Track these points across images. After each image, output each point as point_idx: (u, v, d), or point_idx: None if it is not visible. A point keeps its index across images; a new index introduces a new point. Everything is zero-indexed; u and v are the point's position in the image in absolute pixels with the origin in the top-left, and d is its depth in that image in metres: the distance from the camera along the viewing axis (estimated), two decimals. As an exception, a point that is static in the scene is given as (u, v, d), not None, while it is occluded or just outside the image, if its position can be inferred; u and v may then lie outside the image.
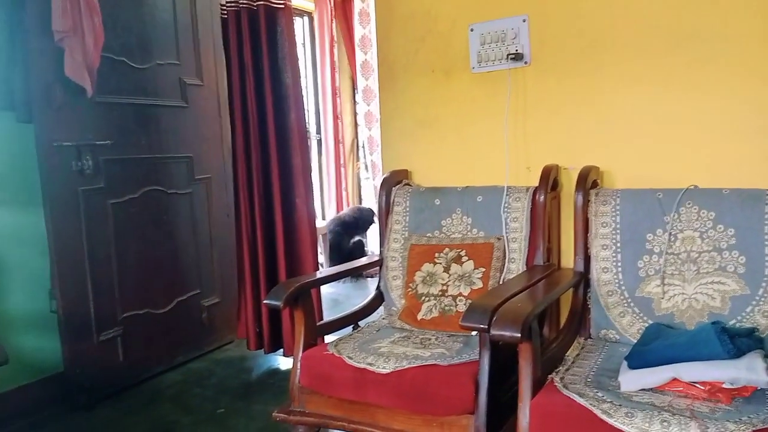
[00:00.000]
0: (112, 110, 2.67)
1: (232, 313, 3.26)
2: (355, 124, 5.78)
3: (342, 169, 5.60)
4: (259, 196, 2.93)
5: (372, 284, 4.77)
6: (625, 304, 1.95)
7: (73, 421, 2.47)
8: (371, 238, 5.54)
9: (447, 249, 2.27)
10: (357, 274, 4.76)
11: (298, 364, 1.99)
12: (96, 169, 2.57)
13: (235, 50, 2.84)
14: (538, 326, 1.69)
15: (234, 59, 2.85)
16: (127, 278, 2.75)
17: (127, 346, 2.75)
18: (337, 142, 5.50)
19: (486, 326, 1.57)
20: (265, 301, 2.00)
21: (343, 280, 4.57)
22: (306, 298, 2.06)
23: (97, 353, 2.63)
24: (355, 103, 5.73)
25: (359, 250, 5.13)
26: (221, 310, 3.24)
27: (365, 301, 2.40)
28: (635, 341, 1.85)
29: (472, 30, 2.36)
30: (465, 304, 2.14)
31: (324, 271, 2.35)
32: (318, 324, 2.14)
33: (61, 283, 2.51)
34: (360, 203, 5.86)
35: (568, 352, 1.86)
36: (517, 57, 2.26)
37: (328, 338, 2.16)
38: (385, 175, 2.51)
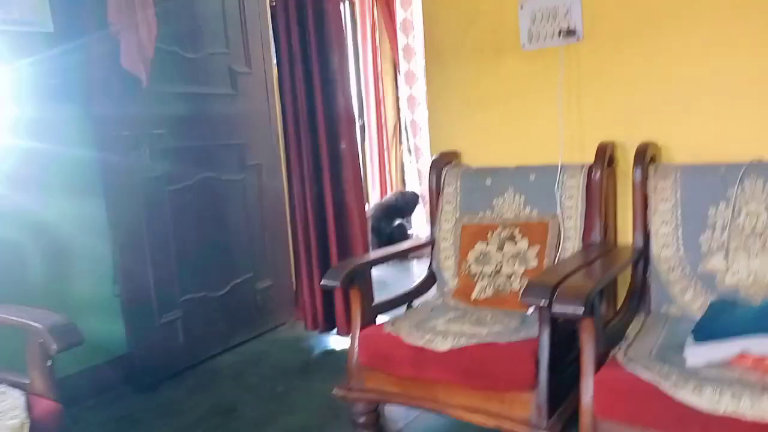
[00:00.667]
0: (165, 100, 2.73)
1: (284, 296, 3.34)
2: (398, 108, 5.78)
3: (385, 154, 5.62)
4: (310, 180, 2.97)
5: (417, 266, 4.79)
6: (687, 280, 1.92)
7: (139, 400, 2.57)
8: (415, 222, 5.57)
9: (500, 228, 2.26)
10: (402, 256, 4.79)
11: (356, 343, 2.02)
12: (153, 157, 2.65)
13: (284, 37, 2.88)
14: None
15: (283, 46, 2.90)
16: (185, 262, 2.83)
17: (186, 329, 2.84)
18: (380, 126, 5.51)
19: (547, 303, 1.57)
20: (321, 283, 2.05)
21: (388, 263, 4.61)
22: (362, 278, 2.09)
23: (158, 335, 2.72)
24: (397, 86, 5.72)
25: (401, 234, 5.15)
26: (274, 292, 3.31)
27: (417, 282, 2.43)
28: (698, 317, 1.82)
29: (522, 8, 2.33)
30: (520, 283, 2.14)
31: (378, 251, 2.37)
32: (373, 304, 2.16)
33: (123, 268, 2.61)
34: (404, 187, 5.87)
35: (629, 329, 1.84)
36: (570, 33, 2.23)
37: (380, 319, 2.18)
38: (434, 157, 2.51)
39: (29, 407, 1.48)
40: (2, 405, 1.50)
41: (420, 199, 5.31)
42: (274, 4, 2.88)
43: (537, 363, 1.70)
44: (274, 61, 3.18)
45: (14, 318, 1.60)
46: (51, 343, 1.48)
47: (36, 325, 1.52)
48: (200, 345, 2.92)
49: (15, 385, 1.59)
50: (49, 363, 1.55)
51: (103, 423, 2.37)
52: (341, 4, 2.92)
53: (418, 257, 4.90)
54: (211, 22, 2.95)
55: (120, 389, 2.63)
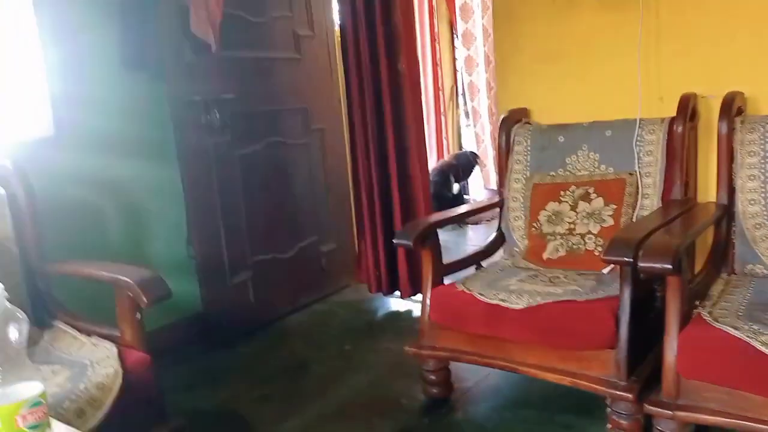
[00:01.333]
0: (233, 64, 2.76)
1: (348, 259, 3.37)
2: (455, 70, 5.68)
3: (442, 117, 5.54)
4: (374, 144, 2.97)
5: (475, 231, 4.76)
6: (776, 238, 1.83)
7: (214, 357, 2.66)
8: (472, 188, 5.50)
9: (573, 187, 2.21)
10: (460, 220, 4.76)
11: (428, 301, 2.03)
12: (223, 122, 2.69)
13: (348, -2, 2.84)
14: (683, 260, 1.62)
15: (346, 7, 2.87)
16: (255, 225, 2.89)
17: (257, 289, 2.91)
18: (436, 89, 5.43)
19: (631, 259, 1.53)
20: (395, 241, 2.05)
21: (445, 228, 4.59)
22: (433, 238, 2.09)
23: (230, 295, 2.80)
24: (454, 48, 5.62)
25: (460, 198, 5.11)
26: (338, 255, 3.35)
27: (486, 243, 2.40)
28: (787, 276, 1.75)
29: (597, -46, 2.23)
30: (594, 242, 2.09)
31: (448, 212, 2.36)
32: (445, 263, 2.15)
33: (196, 231, 2.68)
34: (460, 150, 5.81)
35: (712, 288, 1.78)
36: (650, -21, 2.12)
37: (448, 280, 2.17)
38: (503, 115, 2.46)
39: (121, 358, 1.55)
40: (95, 355, 1.58)
41: (477, 159, 5.24)
42: (336, -37, 2.84)
43: (617, 321, 1.67)
44: (337, 24, 3.16)
45: (105, 273, 1.67)
46: (141, 296, 1.54)
47: (126, 279, 1.58)
48: (270, 305, 3.00)
49: (106, 337, 1.66)
50: (138, 316, 1.62)
51: (181, 378, 2.46)
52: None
53: (477, 223, 4.88)
54: (273, -16, 2.95)
55: (196, 346, 2.73)
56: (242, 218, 2.83)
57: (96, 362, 1.54)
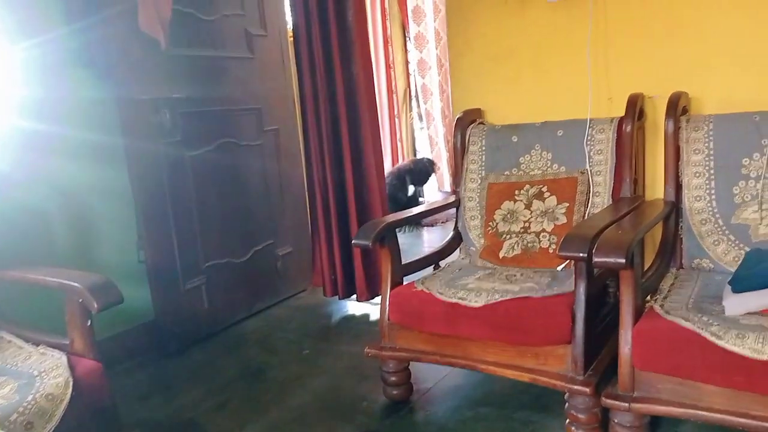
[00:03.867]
0: (183, 63, 2.70)
1: (304, 263, 3.33)
2: (407, 73, 5.71)
3: (396, 120, 5.57)
4: (329, 145, 2.94)
5: (430, 233, 4.80)
6: (720, 232, 1.91)
7: (167, 365, 2.59)
8: (427, 190, 5.54)
9: (527, 186, 2.24)
10: (415, 222, 4.79)
11: (387, 301, 2.03)
12: (174, 122, 2.62)
13: (300, -4, 2.82)
14: (635, 255, 1.67)
15: (299, 7, 2.84)
16: (208, 229, 2.83)
17: (211, 294, 2.85)
18: (390, 92, 5.45)
19: (585, 254, 1.56)
20: (354, 241, 2.04)
21: (399, 229, 4.60)
22: (391, 238, 2.08)
23: (183, 301, 2.73)
24: (407, 50, 5.64)
25: (416, 202, 5.13)
26: (294, 259, 3.32)
27: (443, 243, 2.42)
28: (731, 269, 1.82)
29: (547, -43, 2.28)
30: (549, 240, 2.13)
31: (406, 211, 2.36)
32: (403, 264, 2.15)
33: (147, 234, 2.61)
34: (414, 154, 5.84)
35: (663, 282, 1.84)
36: (597, -18, 2.18)
37: (406, 280, 2.17)
38: (458, 115, 2.48)
39: (71, 366, 1.49)
40: (44, 365, 1.51)
41: (434, 167, 5.28)
42: (289, -37, 2.81)
43: (573, 316, 1.70)
44: (290, 23, 3.13)
45: (53, 279, 1.61)
46: (91, 301, 1.48)
47: (76, 284, 1.52)
48: (224, 311, 2.94)
49: (55, 346, 1.60)
50: (89, 323, 1.56)
51: (133, 388, 2.39)
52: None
53: (433, 224, 4.91)
54: (225, -18, 2.90)
55: (148, 355, 2.65)
56: (195, 222, 2.77)
57: (44, 372, 1.48)
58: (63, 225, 2.43)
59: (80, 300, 1.52)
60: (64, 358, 1.52)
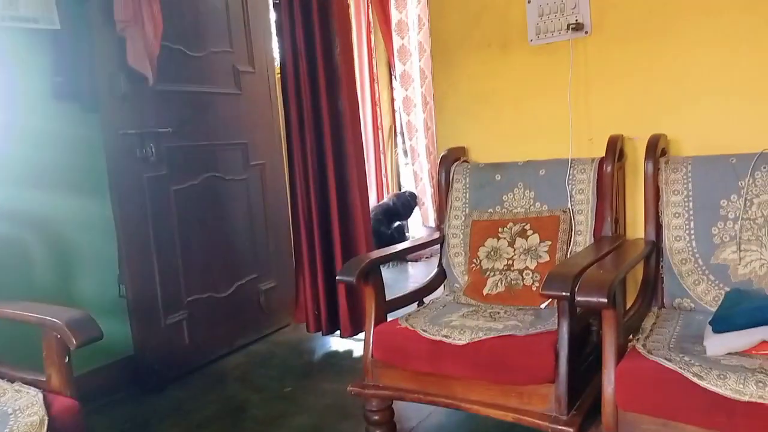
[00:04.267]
0: (171, 98, 2.72)
1: (288, 297, 3.31)
2: (393, 110, 5.79)
3: (381, 156, 5.62)
4: (315, 180, 2.95)
5: (414, 268, 4.80)
6: (700, 272, 1.93)
7: (147, 401, 2.54)
8: (412, 225, 5.56)
9: (510, 223, 2.26)
10: (399, 258, 4.79)
11: (371, 338, 2.01)
12: (159, 156, 2.63)
13: (288, 34, 2.86)
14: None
15: (287, 43, 2.88)
16: (191, 263, 2.81)
17: (192, 329, 2.81)
18: (375, 128, 5.51)
19: (568, 293, 1.57)
20: (338, 277, 2.03)
21: (384, 264, 4.59)
22: (376, 274, 2.08)
23: (164, 336, 2.70)
24: (392, 88, 5.73)
25: (400, 236, 5.14)
26: (278, 294, 3.29)
27: (428, 279, 2.42)
28: (711, 309, 1.84)
29: (529, 2, 2.34)
30: (532, 278, 2.14)
31: (390, 248, 2.36)
32: (387, 300, 2.15)
33: (128, 268, 2.58)
34: (399, 189, 5.87)
35: (645, 322, 1.84)
36: (578, 27, 2.24)
37: (390, 317, 2.17)
38: (442, 153, 2.51)
39: (47, 405, 1.46)
40: (18, 403, 1.48)
41: (416, 200, 5.32)
42: (277, 1, 2.86)
43: (556, 355, 1.70)
44: (277, 60, 3.17)
45: (30, 314, 1.58)
46: (70, 337, 1.46)
47: (54, 320, 1.49)
48: (206, 346, 2.90)
49: (31, 383, 1.56)
50: (66, 359, 1.53)
51: (111, 425, 2.34)
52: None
53: (417, 260, 4.92)
54: (214, 20, 2.94)
55: (127, 390, 2.60)
56: (177, 256, 2.75)
57: (19, 410, 1.44)
58: (43, 258, 2.40)
59: (58, 336, 1.49)
60: (40, 396, 1.48)
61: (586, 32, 2.25)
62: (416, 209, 5.36)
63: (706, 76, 2.07)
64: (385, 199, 5.33)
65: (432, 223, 5.23)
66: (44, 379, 1.56)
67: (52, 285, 2.42)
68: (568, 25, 2.25)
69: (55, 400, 1.49)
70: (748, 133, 2.00)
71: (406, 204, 5.26)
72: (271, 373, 2.79)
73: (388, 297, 2.18)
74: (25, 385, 1.56)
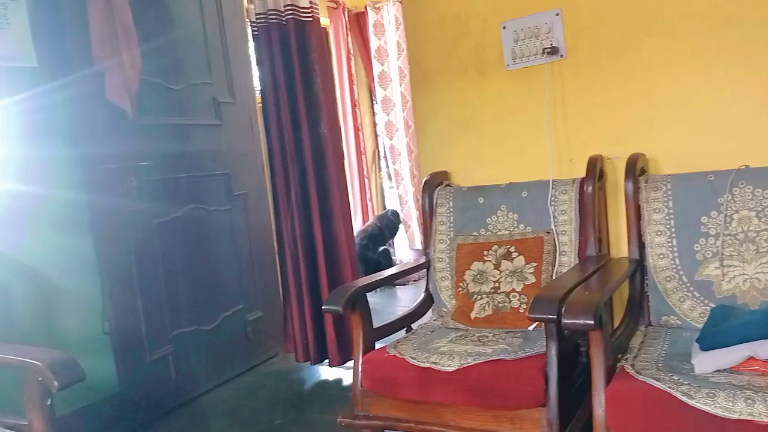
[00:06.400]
0: (151, 131, 2.71)
1: (275, 327, 3.28)
2: (375, 135, 5.82)
3: (366, 181, 5.63)
4: (298, 208, 2.95)
5: (402, 292, 4.78)
6: (685, 289, 1.94)
7: (132, 440, 2.49)
8: (398, 248, 5.56)
9: (495, 246, 2.27)
10: (388, 283, 4.76)
11: (360, 368, 1.99)
12: (140, 189, 2.61)
13: (267, 65, 2.88)
14: (604, 314, 1.68)
15: (266, 74, 2.90)
16: (175, 296, 2.78)
17: (178, 364, 2.77)
18: (359, 153, 5.53)
19: (555, 316, 1.57)
20: (324, 307, 2.02)
21: (374, 291, 4.57)
22: (362, 302, 2.07)
23: (150, 372, 2.65)
24: (374, 113, 5.77)
25: (387, 261, 5.13)
26: (264, 324, 3.26)
27: (415, 305, 2.41)
28: (697, 325, 1.84)
29: (504, 27, 2.38)
30: (519, 300, 2.14)
31: (376, 275, 2.35)
32: (375, 327, 2.13)
33: (112, 304, 2.54)
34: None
35: (632, 341, 1.85)
36: (553, 51, 2.28)
37: (378, 344, 2.15)
38: (425, 178, 2.52)
39: (28, 451, 1.42)
40: (-1, 450, 1.44)
41: (401, 218, 5.32)
42: (256, 32, 2.88)
43: (546, 379, 1.69)
44: (258, 90, 3.19)
45: (10, 356, 1.54)
46: (52, 380, 1.42)
47: (35, 362, 1.46)
48: (193, 380, 2.85)
49: (12, 428, 1.52)
50: (48, 402, 1.49)
51: (96, 466, 2.29)
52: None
53: (405, 284, 4.90)
54: (193, 52, 2.95)
55: (112, 429, 2.54)
56: (162, 289, 2.72)
57: (-2, 458, 1.40)
58: (25, 297, 2.36)
59: (40, 378, 1.46)
60: (21, 442, 1.45)
61: (562, 56, 2.29)
62: (402, 228, 5.36)
63: (680, 95, 2.11)
64: (370, 222, 5.32)
65: (419, 245, 5.23)
66: (26, 423, 1.52)
67: (34, 324, 2.37)
68: (544, 50, 2.29)
69: (36, 445, 1.45)
70: (725, 150, 2.03)
71: (390, 225, 5.25)
72: (260, 405, 2.75)
73: (377, 322, 2.17)
74: (7, 430, 1.52)
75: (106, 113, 2.48)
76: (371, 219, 5.43)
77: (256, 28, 2.88)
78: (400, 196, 5.47)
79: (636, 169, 2.06)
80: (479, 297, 2.21)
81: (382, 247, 5.16)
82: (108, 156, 2.52)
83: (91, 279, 2.55)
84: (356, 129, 5.48)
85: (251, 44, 3.04)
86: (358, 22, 5.45)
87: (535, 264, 2.18)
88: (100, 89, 2.43)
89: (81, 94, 2.45)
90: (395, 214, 5.31)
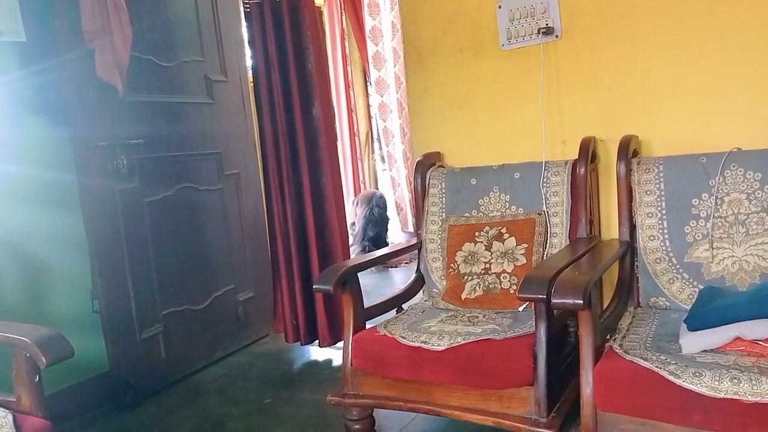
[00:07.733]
0: (142, 109, 2.68)
1: (266, 308, 3.28)
2: (369, 116, 5.79)
3: (359, 162, 5.61)
4: (290, 189, 2.93)
5: (396, 274, 4.79)
6: (674, 271, 1.95)
7: (121, 419, 2.49)
8: (391, 231, 5.55)
9: (487, 227, 2.27)
10: (379, 263, 4.75)
11: (350, 347, 2.00)
12: (130, 168, 2.59)
13: (260, 43, 2.85)
14: (593, 295, 1.69)
15: (259, 52, 2.86)
16: (166, 275, 2.77)
17: (168, 343, 2.77)
18: (352, 135, 5.50)
19: (544, 296, 1.57)
20: (315, 287, 2.01)
21: (367, 271, 4.58)
22: (353, 282, 2.07)
23: (140, 351, 2.65)
24: (368, 95, 5.73)
25: (382, 242, 5.13)
26: (255, 304, 3.26)
27: (406, 285, 2.41)
28: (686, 307, 1.86)
29: (500, 7, 2.36)
30: (510, 281, 2.15)
31: (367, 255, 2.35)
32: (366, 307, 2.13)
33: (102, 283, 2.53)
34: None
35: (621, 321, 1.86)
36: (548, 31, 2.26)
37: (369, 324, 2.15)
38: (418, 159, 2.51)
39: (17, 426, 1.42)
40: (-13, 425, 1.44)
41: (385, 201, 5.31)
42: (248, 10, 2.84)
43: (535, 358, 1.70)
44: (250, 69, 3.15)
45: (-2, 333, 1.54)
46: (40, 356, 1.42)
47: (23, 338, 1.45)
48: (183, 360, 2.86)
49: (1, 404, 1.52)
50: (37, 378, 1.49)
51: (86, 443, 2.29)
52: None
53: (397, 265, 4.91)
54: (185, 30, 2.91)
55: (103, 408, 2.55)
56: (152, 269, 2.71)
57: (-14, 433, 1.40)
58: (13, 276, 2.35)
59: (27, 354, 1.45)
60: (10, 417, 1.44)
61: (557, 36, 2.27)
62: (395, 213, 5.36)
63: (674, 78, 2.10)
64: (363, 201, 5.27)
65: (411, 228, 5.23)
66: (14, 400, 1.52)
67: (23, 302, 2.37)
68: (539, 30, 2.27)
69: (25, 420, 1.45)
70: (717, 133, 2.03)
71: (375, 204, 5.23)
72: (250, 385, 2.76)
73: (369, 303, 2.17)
74: (-6, 406, 1.52)
75: (96, 89, 2.45)
76: (362, 204, 5.37)
77: (248, 5, 2.84)
78: (393, 178, 5.45)
79: (629, 150, 2.05)
80: (470, 278, 2.22)
81: (376, 231, 5.15)
82: (98, 134, 2.50)
83: (81, 258, 2.54)
84: (350, 110, 5.45)
85: (244, 22, 3.00)
86: (353, 1, 5.39)
87: (526, 245, 2.18)
88: (90, 66, 2.40)
89: (70, 70, 2.41)
90: (378, 196, 5.27)
